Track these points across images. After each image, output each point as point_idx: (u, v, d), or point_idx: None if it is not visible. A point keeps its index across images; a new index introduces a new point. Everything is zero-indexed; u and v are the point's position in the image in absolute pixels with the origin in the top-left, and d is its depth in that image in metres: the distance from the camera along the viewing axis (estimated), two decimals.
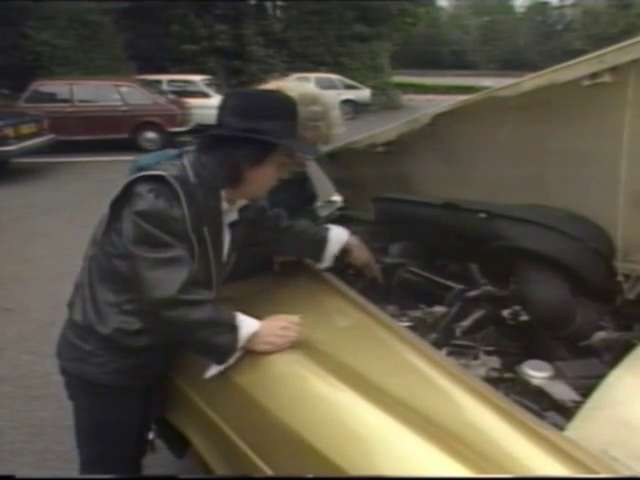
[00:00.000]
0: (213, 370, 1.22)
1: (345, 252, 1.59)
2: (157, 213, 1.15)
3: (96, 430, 1.36)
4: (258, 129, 1.20)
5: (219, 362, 1.21)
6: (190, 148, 1.32)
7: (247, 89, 1.36)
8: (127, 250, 1.17)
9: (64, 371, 1.35)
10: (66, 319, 1.35)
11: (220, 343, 1.17)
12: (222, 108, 1.27)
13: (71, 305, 1.34)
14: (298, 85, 1.59)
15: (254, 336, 1.19)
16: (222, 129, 1.25)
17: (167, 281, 1.13)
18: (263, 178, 1.30)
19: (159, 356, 1.33)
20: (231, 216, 1.35)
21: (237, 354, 1.20)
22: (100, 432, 1.36)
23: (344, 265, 1.64)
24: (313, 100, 1.50)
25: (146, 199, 1.15)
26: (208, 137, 1.29)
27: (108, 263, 1.25)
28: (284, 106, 1.27)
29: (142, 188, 1.17)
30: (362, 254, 1.63)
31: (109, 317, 1.24)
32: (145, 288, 1.15)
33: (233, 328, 1.18)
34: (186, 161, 1.25)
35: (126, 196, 1.20)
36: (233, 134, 1.22)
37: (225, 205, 1.30)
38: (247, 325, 1.20)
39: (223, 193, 1.28)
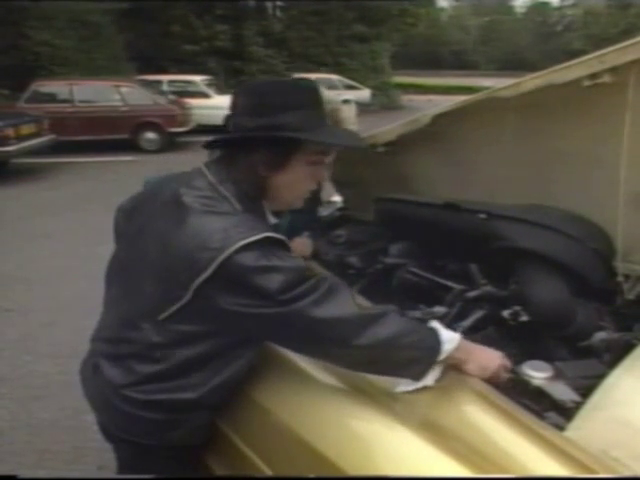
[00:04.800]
0: (409, 386, 1.02)
1: None
2: (294, 271, 0.94)
3: None
4: (274, 125, 0.99)
5: (418, 375, 1.00)
6: (203, 167, 1.08)
7: (258, 80, 1.14)
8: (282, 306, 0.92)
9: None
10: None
11: (425, 346, 0.99)
12: (232, 108, 1.07)
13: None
14: None
15: (460, 350, 1.02)
16: (230, 133, 1.05)
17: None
18: (292, 185, 1.07)
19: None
20: None
21: (437, 372, 1.01)
22: None
23: None
24: None
25: (273, 272, 0.91)
26: (221, 148, 1.10)
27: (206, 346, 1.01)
28: (303, 92, 1.05)
29: (250, 261, 0.91)
30: None
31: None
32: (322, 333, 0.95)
33: (431, 330, 1.01)
34: (223, 190, 1.02)
35: (222, 275, 0.91)
36: (243, 136, 1.03)
37: (271, 219, 1.13)
38: (445, 332, 1.02)
39: (265, 208, 1.10)
